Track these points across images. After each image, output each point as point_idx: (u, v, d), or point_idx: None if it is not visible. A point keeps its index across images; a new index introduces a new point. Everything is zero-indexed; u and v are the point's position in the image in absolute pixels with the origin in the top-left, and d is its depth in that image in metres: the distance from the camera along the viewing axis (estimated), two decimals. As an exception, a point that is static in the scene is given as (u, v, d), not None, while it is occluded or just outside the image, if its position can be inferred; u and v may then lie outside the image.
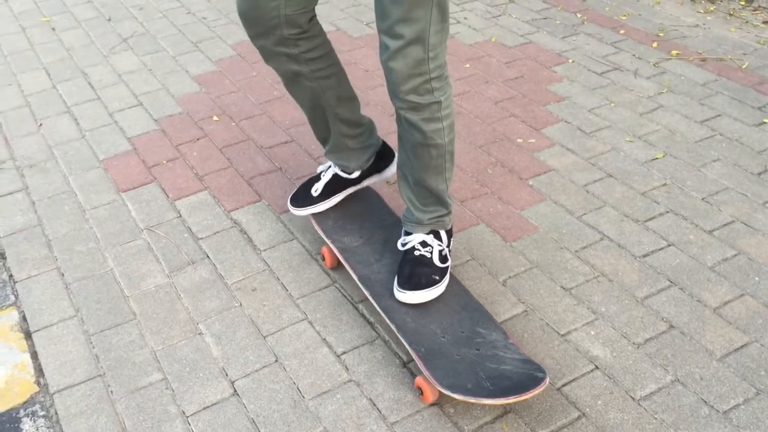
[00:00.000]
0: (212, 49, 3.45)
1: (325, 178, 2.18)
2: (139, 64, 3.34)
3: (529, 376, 1.69)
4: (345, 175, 2.18)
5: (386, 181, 2.46)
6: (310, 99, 2.00)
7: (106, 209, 2.44)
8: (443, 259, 1.96)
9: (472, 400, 1.65)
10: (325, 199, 2.18)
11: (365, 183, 2.23)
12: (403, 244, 1.99)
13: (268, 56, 1.91)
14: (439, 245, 1.97)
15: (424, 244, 1.96)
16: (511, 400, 1.65)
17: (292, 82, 1.97)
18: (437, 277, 1.91)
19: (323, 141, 2.13)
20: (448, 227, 2.02)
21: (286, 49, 1.87)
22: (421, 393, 1.76)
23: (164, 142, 2.78)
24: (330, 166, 2.19)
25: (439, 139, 1.82)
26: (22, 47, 3.54)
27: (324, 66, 1.93)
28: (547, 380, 1.69)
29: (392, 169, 2.23)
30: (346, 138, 2.08)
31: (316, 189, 2.17)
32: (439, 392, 1.76)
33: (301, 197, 2.18)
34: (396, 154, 2.18)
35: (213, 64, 3.32)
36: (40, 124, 2.93)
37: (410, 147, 1.84)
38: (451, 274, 2.00)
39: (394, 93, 1.75)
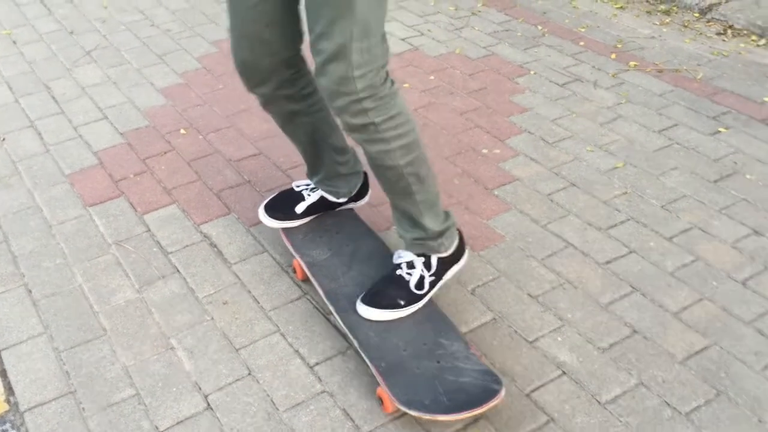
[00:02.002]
0: (177, 62, 3.45)
1: (311, 199, 2.18)
2: (103, 77, 3.32)
3: (484, 389, 1.72)
4: (333, 199, 2.20)
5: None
6: (309, 134, 2.03)
7: (72, 224, 2.43)
8: (419, 286, 1.94)
9: (427, 416, 1.68)
10: (304, 217, 2.21)
11: (344, 207, 2.26)
12: (398, 256, 2.00)
13: (268, 101, 1.94)
14: (422, 273, 1.94)
15: (410, 265, 1.95)
16: (465, 415, 1.68)
17: (289, 122, 2.00)
18: (402, 302, 1.91)
19: (314, 173, 2.16)
20: (442, 254, 1.95)
21: (285, 90, 1.91)
22: (382, 403, 1.79)
23: (131, 155, 2.77)
24: (313, 187, 2.20)
25: (390, 161, 1.74)
26: (-18, 60, 3.49)
27: (317, 99, 1.98)
28: (503, 391, 1.72)
29: (366, 199, 2.26)
30: (338, 165, 2.11)
31: (300, 207, 2.19)
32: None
33: (280, 209, 2.19)
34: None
35: (178, 77, 3.32)
36: (3, 139, 2.89)
37: (369, 165, 1.84)
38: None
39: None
